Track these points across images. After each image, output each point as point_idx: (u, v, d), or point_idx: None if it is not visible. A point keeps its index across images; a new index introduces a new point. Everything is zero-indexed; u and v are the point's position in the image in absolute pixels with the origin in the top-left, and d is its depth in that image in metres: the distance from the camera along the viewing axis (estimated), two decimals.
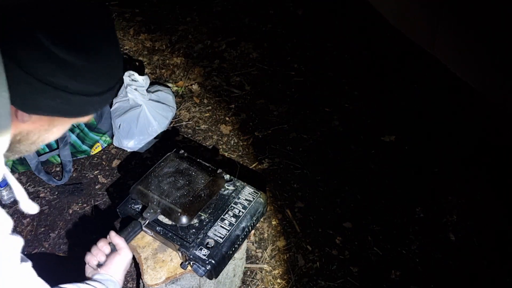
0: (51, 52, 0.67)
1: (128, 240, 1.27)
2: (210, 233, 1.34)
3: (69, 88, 0.71)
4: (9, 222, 0.80)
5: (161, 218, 1.38)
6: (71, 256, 1.84)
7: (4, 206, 2.00)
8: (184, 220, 1.32)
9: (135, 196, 1.41)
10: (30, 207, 0.87)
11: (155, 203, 1.34)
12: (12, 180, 0.85)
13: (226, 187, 1.48)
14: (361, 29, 3.00)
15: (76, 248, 1.87)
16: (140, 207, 1.42)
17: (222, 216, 1.39)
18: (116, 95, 2.39)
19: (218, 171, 1.50)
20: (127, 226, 1.29)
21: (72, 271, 1.19)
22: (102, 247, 1.18)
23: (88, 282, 1.06)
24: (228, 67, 2.76)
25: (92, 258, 1.16)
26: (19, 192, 0.85)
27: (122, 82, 0.80)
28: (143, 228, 1.33)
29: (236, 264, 1.60)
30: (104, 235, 1.23)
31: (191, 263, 1.30)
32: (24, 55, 0.66)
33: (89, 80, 0.73)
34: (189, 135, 2.36)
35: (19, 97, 0.69)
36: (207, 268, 1.27)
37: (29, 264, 0.90)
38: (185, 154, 1.57)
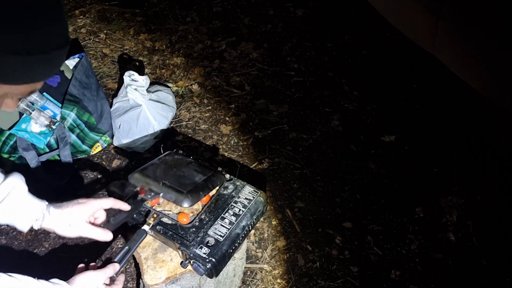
0: None
1: (135, 248, 1.28)
2: (210, 232, 1.34)
3: None
4: None
5: (163, 218, 1.38)
6: (71, 256, 1.84)
7: None
8: (187, 202, 1.28)
9: (134, 181, 1.37)
10: None
11: (157, 186, 1.32)
12: None
13: (226, 186, 1.48)
14: (361, 29, 3.00)
15: (76, 248, 1.86)
16: (133, 190, 1.36)
17: (222, 215, 1.39)
18: (116, 95, 2.39)
19: (218, 169, 1.50)
20: (133, 236, 1.30)
21: (72, 271, 1.19)
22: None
23: (40, 280, 1.03)
24: (228, 67, 2.76)
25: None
26: None
27: (64, 48, 0.68)
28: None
29: (236, 264, 1.60)
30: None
31: (191, 261, 1.30)
32: None
33: (7, 28, 0.60)
34: (189, 135, 2.36)
35: None
36: (208, 266, 1.27)
37: None
38: (184, 154, 1.57)
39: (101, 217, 1.26)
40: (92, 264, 1.20)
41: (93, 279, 1.12)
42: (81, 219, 1.18)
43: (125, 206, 1.28)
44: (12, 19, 0.60)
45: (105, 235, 1.21)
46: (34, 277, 1.01)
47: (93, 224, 1.23)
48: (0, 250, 1.86)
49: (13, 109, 0.74)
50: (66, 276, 1.12)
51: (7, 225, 1.05)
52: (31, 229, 1.14)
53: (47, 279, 1.05)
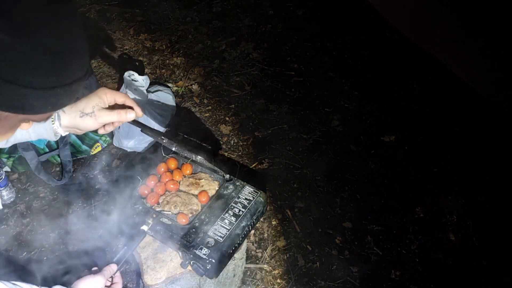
0: None
1: (134, 248, 1.29)
2: (210, 232, 1.34)
3: None
4: None
5: (162, 218, 1.38)
6: (72, 256, 1.84)
7: (4, 206, 2.00)
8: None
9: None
10: None
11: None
12: None
13: (226, 186, 1.48)
14: (361, 29, 3.00)
15: (76, 249, 1.86)
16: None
17: (222, 216, 1.39)
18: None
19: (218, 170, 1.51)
20: (132, 235, 1.30)
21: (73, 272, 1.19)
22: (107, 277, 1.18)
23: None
24: (228, 67, 2.76)
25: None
26: None
27: (84, 78, 0.66)
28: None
29: (236, 264, 1.60)
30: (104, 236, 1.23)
31: (191, 262, 1.30)
32: None
33: (21, 65, 0.58)
34: (189, 135, 2.36)
35: None
36: (208, 267, 1.27)
37: None
38: None
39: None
40: (95, 268, 1.20)
41: (94, 283, 1.13)
42: (96, 106, 1.09)
43: (138, 109, 1.19)
44: (41, 62, 0.60)
45: (128, 113, 1.13)
46: (38, 285, 1.01)
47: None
48: (0, 252, 1.86)
49: (27, 128, 0.73)
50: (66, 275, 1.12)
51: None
52: (61, 137, 1.08)
53: (49, 286, 1.05)
